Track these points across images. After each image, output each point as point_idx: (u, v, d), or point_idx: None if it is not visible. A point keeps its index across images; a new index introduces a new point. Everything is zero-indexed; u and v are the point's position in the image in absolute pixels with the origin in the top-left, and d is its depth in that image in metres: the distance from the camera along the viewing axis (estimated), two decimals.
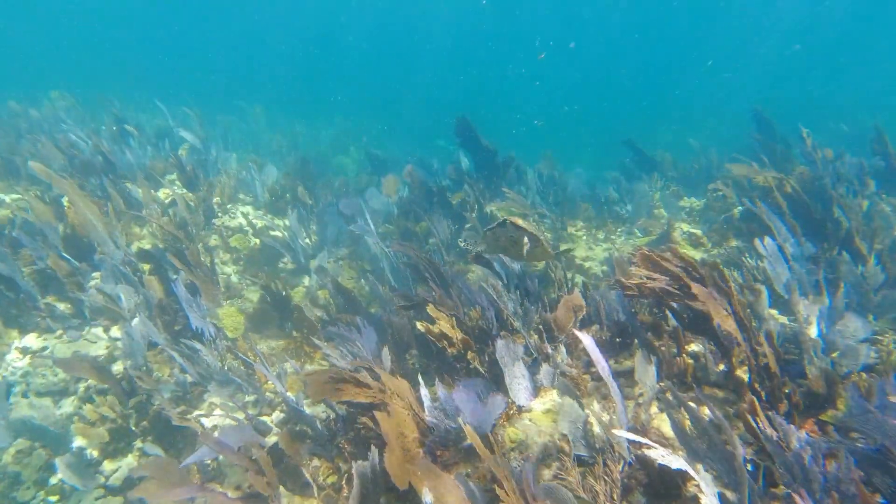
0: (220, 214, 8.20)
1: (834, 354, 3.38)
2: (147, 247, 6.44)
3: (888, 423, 2.47)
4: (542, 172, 9.19)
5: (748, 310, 3.60)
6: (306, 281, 7.23)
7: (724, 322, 2.94)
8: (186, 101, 16.49)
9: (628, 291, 3.44)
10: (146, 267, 5.66)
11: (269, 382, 4.43)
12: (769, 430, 2.48)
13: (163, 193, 8.37)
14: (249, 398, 4.27)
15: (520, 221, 5.65)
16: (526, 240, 4.53)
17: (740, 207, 6.70)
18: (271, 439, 3.76)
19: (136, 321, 4.76)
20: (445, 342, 3.57)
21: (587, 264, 7.47)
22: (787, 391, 2.92)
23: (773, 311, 4.28)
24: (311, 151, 19.51)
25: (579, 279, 7.03)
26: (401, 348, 4.42)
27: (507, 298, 3.92)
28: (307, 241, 8.17)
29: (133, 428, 4.08)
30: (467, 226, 8.35)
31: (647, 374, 3.03)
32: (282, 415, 4.09)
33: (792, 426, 2.37)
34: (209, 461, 3.57)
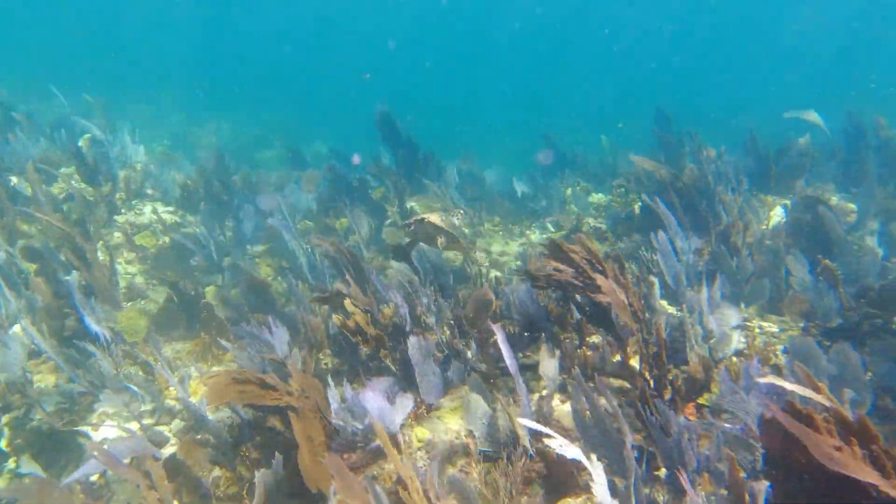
0: (124, 211, 7.51)
1: (711, 341, 3.62)
2: (36, 245, 5.75)
3: (750, 403, 2.66)
4: (461, 168, 9.21)
5: (643, 301, 3.77)
6: (220, 280, 6.79)
7: (622, 314, 3.04)
8: (93, 88, 14.96)
9: (538, 283, 3.49)
10: (32, 267, 5.05)
11: (171, 389, 4.09)
12: (654, 417, 2.59)
13: (57, 188, 7.54)
14: (147, 406, 3.92)
15: (436, 219, 5.61)
16: (442, 238, 4.54)
17: (640, 203, 7.05)
18: (169, 450, 3.47)
19: (16, 328, 4.23)
20: (359, 338, 3.45)
21: (503, 259, 7.59)
22: (671, 377, 3.08)
23: (664, 302, 4.52)
24: (232, 145, 18.42)
25: (495, 273, 7.12)
26: (314, 348, 4.23)
27: (421, 294, 3.85)
28: (222, 237, 7.69)
29: (4, 448, 3.60)
30: (388, 221, 8.22)
31: (549, 368, 3.08)
32: (182, 423, 3.78)
33: (672, 412, 2.48)
34: (95, 477, 3.22)
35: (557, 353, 3.21)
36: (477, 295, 3.69)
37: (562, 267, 3.37)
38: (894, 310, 3.45)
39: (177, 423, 3.81)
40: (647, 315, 3.73)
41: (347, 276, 3.98)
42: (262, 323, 4.54)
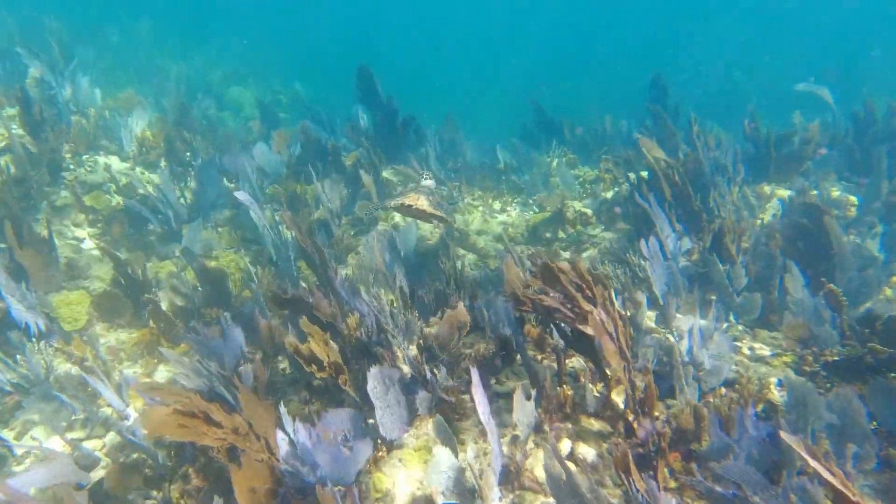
0: (72, 166, 6.74)
1: (701, 373, 3.29)
2: None
3: (748, 471, 2.35)
4: (443, 136, 8.54)
5: (630, 330, 3.40)
6: (178, 250, 6.20)
7: (611, 358, 2.65)
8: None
9: (523, 307, 3.07)
10: None
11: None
12: (639, 484, 2.26)
13: None
14: (79, 416, 3.47)
15: (424, 204, 5.08)
16: (435, 222, 4.13)
17: (628, 187, 6.60)
18: (101, 473, 3.06)
19: None
20: (314, 367, 3.01)
21: (482, 240, 7.13)
22: (658, 424, 2.74)
23: (651, 315, 4.17)
24: (201, 83, 17.05)
25: (470, 258, 6.68)
26: (270, 357, 3.79)
27: (388, 312, 3.40)
28: (182, 200, 7.02)
29: None
30: (362, 190, 7.61)
31: (524, 412, 2.71)
32: (118, 438, 3.36)
33: (661, 493, 2.14)
34: None
35: (534, 392, 2.84)
36: (450, 315, 3.25)
37: (549, 291, 2.94)
38: None
39: (112, 437, 3.38)
40: (634, 349, 3.38)
41: (309, 287, 3.47)
42: (216, 320, 4.07)
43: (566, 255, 6.56)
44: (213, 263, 6.07)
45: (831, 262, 4.36)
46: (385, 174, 8.27)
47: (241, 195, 5.30)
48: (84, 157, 6.93)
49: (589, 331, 2.86)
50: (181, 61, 19.26)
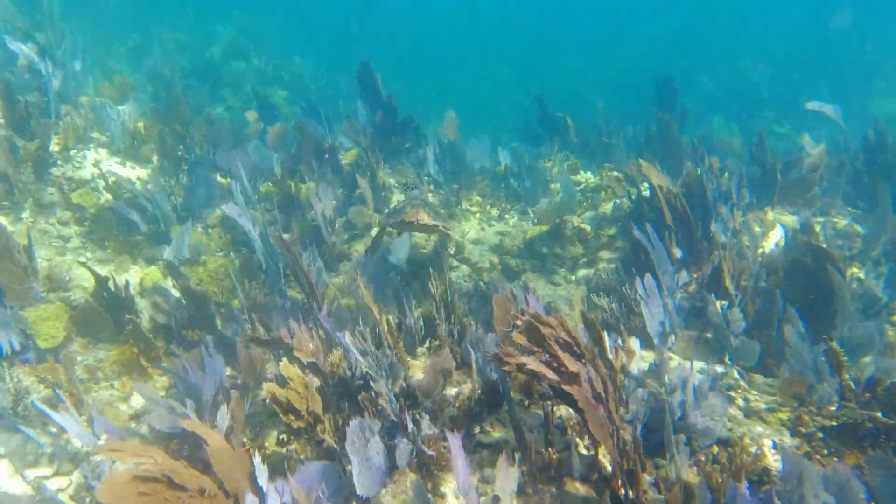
0: (60, 162, 6.52)
1: (693, 433, 3.15)
2: None
3: None
4: (442, 138, 8.29)
5: (621, 381, 3.26)
6: (167, 252, 6.03)
7: (597, 431, 2.51)
8: None
9: (506, 368, 2.91)
10: None
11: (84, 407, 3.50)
12: None
13: None
14: (47, 449, 3.34)
15: (426, 218, 4.92)
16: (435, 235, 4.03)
17: (631, 206, 6.41)
18: None
19: None
20: (291, 416, 2.87)
21: (477, 250, 6.96)
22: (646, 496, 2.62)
23: (646, 356, 4.02)
24: (200, 59, 16.64)
25: (463, 272, 6.52)
26: (250, 390, 3.65)
27: (372, 351, 3.25)
28: (174, 198, 6.83)
29: None
30: (358, 191, 7.39)
31: (507, 479, 2.58)
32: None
33: None
34: None
35: (517, 456, 2.71)
36: (435, 362, 3.10)
37: (535, 351, 2.78)
38: None
39: (79, 476, 3.26)
40: (625, 397, 3.24)
41: (291, 323, 3.31)
42: (198, 343, 3.92)
43: (562, 272, 6.40)
44: (200, 269, 5.92)
45: (833, 305, 4.21)
46: (383, 174, 8.06)
47: (230, 209, 5.12)
48: (73, 153, 6.69)
49: (576, 396, 2.72)
50: (181, 31, 18.77)
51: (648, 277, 4.07)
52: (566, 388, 2.77)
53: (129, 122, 7.53)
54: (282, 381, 3.03)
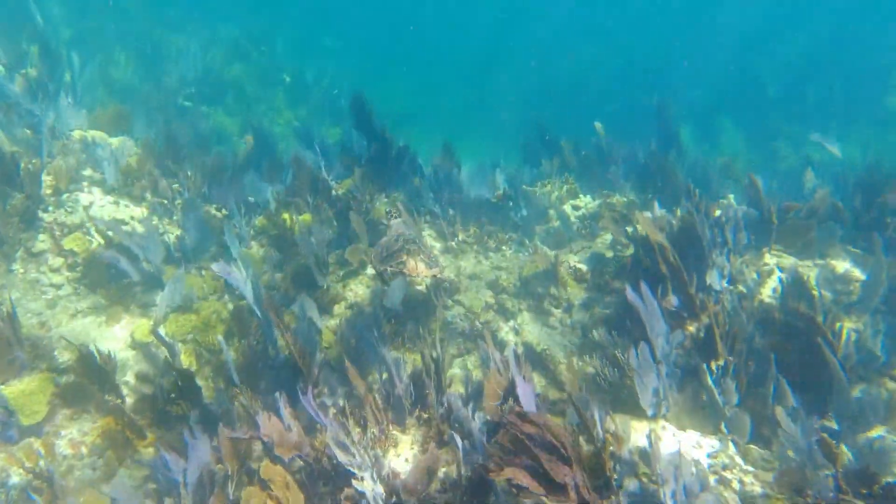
0: (52, 208, 6.45)
1: None
2: None
3: None
4: (438, 169, 8.17)
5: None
6: (159, 299, 5.97)
7: None
8: None
9: (492, 474, 2.83)
10: None
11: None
12: None
13: None
14: None
15: (424, 270, 4.90)
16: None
17: (632, 251, 6.30)
18: None
19: None
20: None
21: (473, 285, 6.85)
22: None
23: (639, 427, 3.92)
24: (201, 65, 16.56)
25: (460, 310, 6.40)
26: (233, 479, 3.58)
27: (355, 439, 3.17)
28: (168, 236, 6.77)
29: None
30: (352, 226, 7.29)
31: None
32: None
33: None
34: None
35: None
36: (421, 461, 3.02)
37: (519, 460, 2.69)
38: None
39: None
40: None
41: (269, 420, 3.23)
42: (181, 419, 3.85)
43: (558, 313, 6.30)
44: (193, 317, 5.86)
45: (828, 369, 4.09)
46: (380, 204, 7.96)
47: (219, 268, 5.04)
48: (65, 196, 6.62)
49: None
50: (181, 34, 18.59)
51: (642, 346, 3.97)
52: (553, 499, 2.70)
53: (123, 158, 7.44)
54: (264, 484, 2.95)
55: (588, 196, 9.13)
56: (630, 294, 4.26)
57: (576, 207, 8.85)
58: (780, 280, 5.34)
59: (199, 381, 5.35)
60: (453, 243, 7.55)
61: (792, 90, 18.19)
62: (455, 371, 5.76)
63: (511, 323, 6.30)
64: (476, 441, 3.28)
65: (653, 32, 24.18)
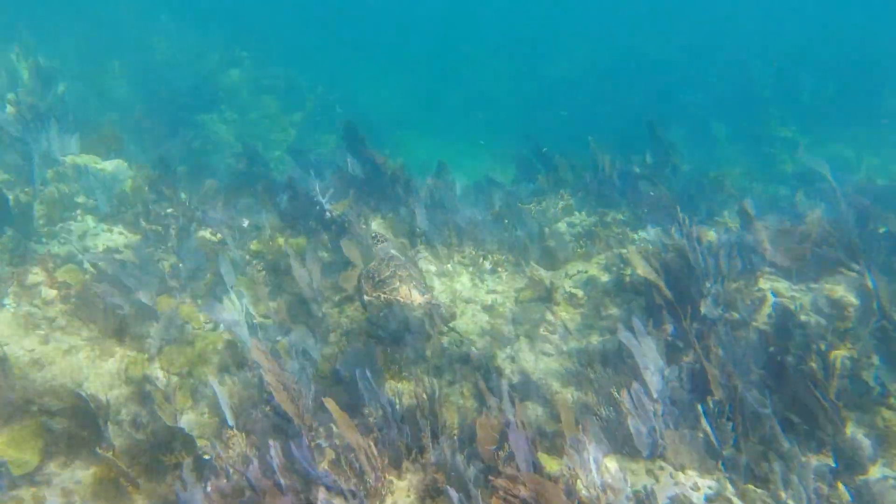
0: (45, 240, 6.40)
1: None
2: None
3: None
4: (433, 190, 8.14)
5: None
6: (153, 331, 5.92)
7: None
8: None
9: None
10: None
11: None
12: None
13: None
14: None
15: (419, 298, 4.94)
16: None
17: (629, 274, 6.29)
18: None
19: None
20: None
21: (469, 310, 6.82)
22: None
23: (636, 469, 3.90)
24: (197, 72, 16.54)
25: (456, 336, 6.37)
26: None
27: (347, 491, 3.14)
28: (163, 264, 6.72)
29: None
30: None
31: None
32: None
33: None
34: None
35: None
36: None
37: None
38: None
39: None
40: None
41: (259, 481, 3.20)
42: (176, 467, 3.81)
43: (554, 339, 6.27)
44: (188, 351, 5.81)
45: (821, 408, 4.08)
46: (374, 225, 7.94)
47: (210, 309, 4.99)
48: (58, 227, 6.57)
49: None
50: (174, 41, 18.51)
51: (635, 388, 3.94)
52: None
53: (117, 184, 7.39)
54: None
55: (583, 212, 9.14)
56: (622, 334, 4.23)
57: (571, 224, 8.85)
58: (774, 307, 5.33)
59: (194, 417, 5.38)
60: (449, 266, 7.52)
61: (787, 91, 18.14)
62: (451, 399, 5.73)
63: (507, 350, 6.27)
64: (472, 494, 3.25)
65: (652, 32, 24.15)
